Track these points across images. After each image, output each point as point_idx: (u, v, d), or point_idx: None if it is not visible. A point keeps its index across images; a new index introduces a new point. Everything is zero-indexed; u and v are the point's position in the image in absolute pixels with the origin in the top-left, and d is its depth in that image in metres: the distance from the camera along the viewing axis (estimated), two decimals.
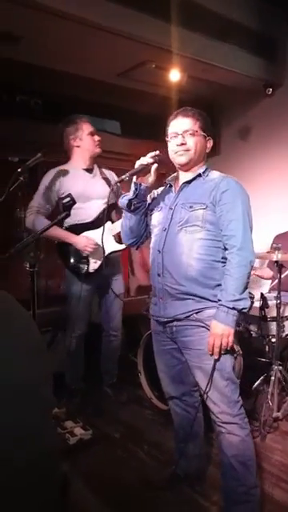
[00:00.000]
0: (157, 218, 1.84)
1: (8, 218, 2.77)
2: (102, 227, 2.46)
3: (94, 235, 2.60)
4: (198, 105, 4.14)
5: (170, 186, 1.87)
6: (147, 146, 3.97)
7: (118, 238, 2.58)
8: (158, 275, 1.77)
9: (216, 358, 1.66)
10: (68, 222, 2.61)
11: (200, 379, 1.73)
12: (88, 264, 2.63)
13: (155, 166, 1.77)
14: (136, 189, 1.78)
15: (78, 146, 2.70)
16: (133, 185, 1.78)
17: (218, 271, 1.70)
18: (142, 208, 1.84)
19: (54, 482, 1.29)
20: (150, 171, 1.78)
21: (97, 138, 2.68)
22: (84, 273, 2.62)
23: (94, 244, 2.56)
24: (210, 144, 1.82)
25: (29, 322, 0.99)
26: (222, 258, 1.71)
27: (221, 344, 1.64)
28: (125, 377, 3.03)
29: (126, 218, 1.90)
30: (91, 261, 2.63)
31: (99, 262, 2.61)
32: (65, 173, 2.64)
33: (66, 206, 2.23)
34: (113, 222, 2.67)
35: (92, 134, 2.66)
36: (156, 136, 4.05)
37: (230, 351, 1.70)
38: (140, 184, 1.78)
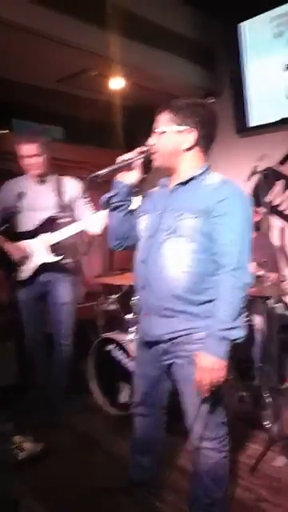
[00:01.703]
0: (144, 223, 1.64)
1: None
2: (38, 237, 2.58)
3: (31, 244, 2.61)
4: (142, 111, 4.27)
5: (165, 186, 1.66)
6: (92, 153, 4.02)
7: (54, 250, 2.59)
8: (142, 288, 1.60)
9: (204, 396, 1.46)
10: (13, 230, 2.66)
11: (183, 404, 1.60)
12: (18, 272, 2.63)
13: (139, 161, 1.60)
14: (116, 186, 1.65)
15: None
16: (113, 182, 1.64)
17: (209, 285, 1.49)
18: (123, 207, 1.66)
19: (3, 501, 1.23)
20: (133, 168, 1.62)
21: (33, 161, 2.56)
22: (16, 280, 2.64)
23: (24, 253, 2.58)
24: (190, 137, 1.52)
25: None
26: (214, 271, 1.49)
27: (210, 380, 1.43)
28: (75, 385, 2.97)
29: (108, 219, 1.73)
30: (22, 269, 2.62)
31: (29, 271, 2.61)
32: (14, 186, 2.66)
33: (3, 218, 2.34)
34: (50, 234, 2.62)
35: (29, 156, 2.56)
36: (101, 142, 4.10)
37: (222, 387, 1.49)
38: (120, 181, 1.63)
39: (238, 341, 1.44)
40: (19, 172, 2.70)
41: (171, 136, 1.53)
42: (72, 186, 2.74)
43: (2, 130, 3.63)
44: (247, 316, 2.83)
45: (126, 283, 3.03)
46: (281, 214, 3.62)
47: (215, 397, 1.50)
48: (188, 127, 1.52)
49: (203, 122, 1.54)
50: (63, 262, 2.66)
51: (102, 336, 2.79)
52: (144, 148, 1.60)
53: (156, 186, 1.72)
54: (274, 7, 3.34)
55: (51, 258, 2.60)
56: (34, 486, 2.02)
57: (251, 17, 3.48)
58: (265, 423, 2.47)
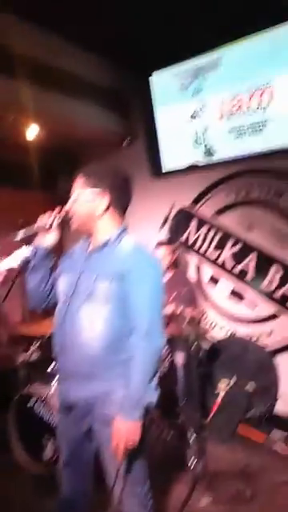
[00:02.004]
0: (63, 284, 1.66)
1: None
2: None
3: None
4: (63, 154, 4.30)
5: (83, 247, 1.69)
6: (13, 195, 3.96)
7: None
8: (59, 352, 1.61)
9: (119, 460, 1.47)
10: None
11: (104, 465, 1.60)
12: None
13: (55, 224, 1.63)
14: (33, 249, 1.66)
15: None
16: (33, 244, 1.66)
17: (124, 346, 1.52)
18: (41, 270, 1.68)
19: None
20: (51, 231, 1.65)
21: None
22: None
23: None
24: (103, 201, 1.57)
25: None
26: (129, 330, 1.52)
27: (126, 444, 1.45)
28: None
29: (27, 280, 1.72)
30: None
31: None
32: None
33: None
34: None
35: None
36: (18, 184, 4.06)
37: (138, 449, 1.50)
38: (38, 244, 1.66)
39: (151, 405, 1.48)
40: None
41: (85, 201, 1.58)
42: None
43: None
44: (169, 354, 2.92)
45: (47, 332, 2.96)
46: (195, 252, 3.80)
47: (134, 456, 1.51)
48: (100, 190, 1.58)
49: (115, 185, 1.60)
50: None
51: (22, 391, 2.67)
52: (62, 211, 1.64)
53: (73, 245, 1.75)
54: (180, 62, 3.59)
55: None
56: None
57: (159, 69, 3.71)
58: (190, 461, 2.51)
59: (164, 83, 3.74)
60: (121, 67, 3.82)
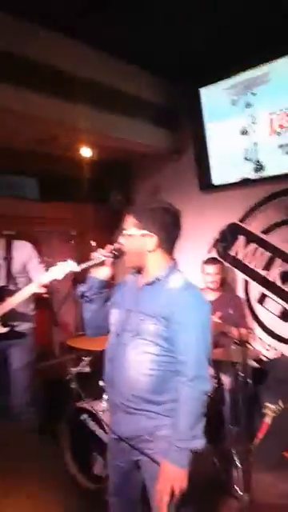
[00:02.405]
0: (114, 317, 1.73)
1: None
2: None
3: None
4: (114, 167, 4.42)
5: (134, 280, 1.75)
6: (66, 208, 4.12)
7: (3, 321, 2.68)
8: (109, 386, 1.69)
9: (164, 510, 1.48)
10: None
11: (150, 499, 1.63)
12: None
13: (110, 260, 1.72)
14: (89, 281, 1.74)
15: None
16: (87, 277, 1.75)
17: (171, 385, 1.55)
18: (96, 301, 1.76)
19: None
20: (106, 264, 1.73)
21: None
22: None
23: None
24: (152, 242, 1.62)
25: None
26: (176, 371, 1.55)
27: (172, 490, 1.47)
28: (47, 449, 2.95)
29: (83, 310, 1.82)
30: None
31: None
32: None
33: None
34: None
35: None
36: (74, 197, 4.22)
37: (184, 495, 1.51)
38: (93, 277, 1.73)
39: (198, 451, 1.50)
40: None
41: (135, 239, 1.64)
42: (21, 250, 2.84)
43: None
44: (216, 377, 2.94)
45: (99, 348, 3.08)
46: (243, 268, 3.76)
47: (179, 500, 1.53)
48: (149, 232, 1.62)
49: (164, 227, 1.64)
50: (17, 328, 2.74)
51: (75, 405, 2.80)
52: (115, 246, 1.72)
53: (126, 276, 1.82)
54: (229, 77, 3.56)
55: (1, 330, 2.68)
56: None
57: (210, 84, 3.70)
58: (236, 489, 2.53)
59: (214, 98, 3.71)
60: (171, 83, 3.85)
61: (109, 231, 4.65)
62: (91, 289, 1.75)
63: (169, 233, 1.67)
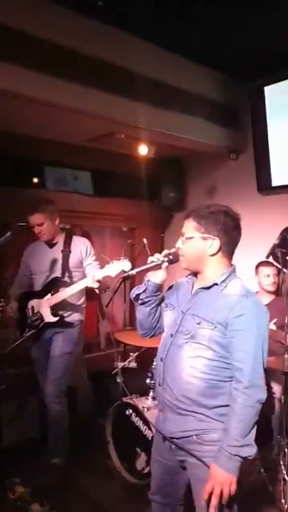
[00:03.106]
0: (168, 318, 1.74)
1: None
2: (43, 298, 2.78)
3: (36, 304, 2.83)
4: (167, 163, 4.38)
5: (189, 281, 1.74)
6: (119, 204, 4.15)
7: (54, 311, 2.77)
8: (159, 385, 1.68)
9: (214, 509, 1.47)
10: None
11: (195, 500, 1.63)
12: (26, 330, 2.75)
13: (166, 264, 1.71)
14: (145, 284, 1.75)
15: None
16: (143, 280, 1.76)
17: (223, 391, 1.54)
18: (150, 303, 1.76)
19: None
20: (161, 268, 1.72)
21: (36, 230, 2.80)
22: (26, 336, 2.72)
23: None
24: (214, 245, 1.61)
25: None
26: (229, 377, 1.54)
27: (220, 493, 1.46)
28: (94, 440, 2.99)
29: (136, 310, 1.84)
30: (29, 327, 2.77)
31: (32, 330, 2.73)
32: (32, 249, 2.99)
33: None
34: (52, 295, 2.77)
35: (33, 226, 2.79)
36: (127, 193, 4.25)
37: (232, 499, 1.51)
38: (149, 280, 1.74)
39: (249, 458, 1.48)
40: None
41: (196, 242, 1.63)
42: (79, 247, 2.90)
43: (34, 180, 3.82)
44: (267, 385, 2.84)
45: (146, 345, 3.08)
46: None
47: (227, 504, 1.52)
48: (211, 235, 1.61)
49: (226, 229, 1.62)
50: (65, 319, 2.81)
51: (121, 399, 2.81)
52: (172, 251, 1.72)
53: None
54: None
55: (50, 319, 2.76)
56: None
57: (274, 82, 3.57)
58: (282, 502, 2.43)
59: (278, 96, 3.58)
60: (234, 80, 3.76)
61: (160, 228, 4.65)
62: (146, 292, 1.76)
63: (230, 236, 1.64)
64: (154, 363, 2.85)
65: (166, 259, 1.71)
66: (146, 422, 2.60)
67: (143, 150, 3.58)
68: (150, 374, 2.81)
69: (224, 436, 1.49)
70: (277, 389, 2.84)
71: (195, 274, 1.72)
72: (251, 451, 1.49)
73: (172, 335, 1.67)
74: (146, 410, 2.63)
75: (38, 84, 2.53)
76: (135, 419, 2.69)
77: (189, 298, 1.69)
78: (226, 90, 3.76)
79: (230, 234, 1.63)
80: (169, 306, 1.76)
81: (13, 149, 3.42)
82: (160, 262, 1.71)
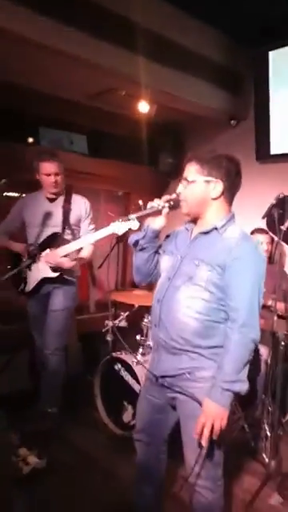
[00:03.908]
0: (165, 263, 1.75)
1: None
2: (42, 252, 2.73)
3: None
4: (166, 128, 4.30)
5: (188, 229, 1.75)
6: (115, 167, 4.09)
7: (53, 267, 2.73)
8: (155, 326, 1.71)
9: (203, 443, 1.52)
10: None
11: (183, 437, 1.67)
12: (25, 284, 2.82)
13: (167, 210, 1.71)
14: (144, 230, 1.75)
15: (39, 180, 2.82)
16: (144, 226, 1.76)
17: (217, 332, 1.58)
18: (149, 249, 1.78)
19: None
20: (161, 214, 1.72)
21: (53, 179, 2.73)
22: (21, 291, 2.84)
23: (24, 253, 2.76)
24: (217, 188, 1.61)
25: None
26: (224, 319, 1.58)
27: (212, 427, 1.51)
28: (82, 397, 3.04)
29: (134, 257, 1.85)
30: (28, 282, 2.80)
31: (32, 284, 2.78)
32: (28, 201, 2.89)
33: (31, 254, 2.71)
34: (50, 250, 2.73)
35: (48, 175, 2.73)
36: (124, 156, 4.18)
37: (222, 434, 1.55)
38: (148, 226, 1.75)
39: (240, 393, 1.52)
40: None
41: (198, 186, 1.62)
42: (79, 205, 2.87)
43: (29, 139, 3.73)
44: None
45: (138, 303, 3.10)
46: None
47: (215, 440, 1.56)
48: (214, 179, 1.61)
49: (229, 173, 1.63)
50: (61, 276, 2.77)
51: (110, 354, 2.84)
52: (172, 196, 1.70)
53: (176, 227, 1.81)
54: None
55: (49, 274, 2.73)
56: (36, 502, 2.09)
57: (280, 47, 3.49)
58: (263, 457, 2.51)
59: (283, 61, 3.51)
60: (239, 43, 3.67)
61: (155, 195, 4.57)
62: (145, 238, 1.76)
63: (232, 181, 1.65)
64: (145, 320, 2.90)
65: (166, 204, 1.70)
66: (134, 376, 2.64)
67: (143, 107, 3.48)
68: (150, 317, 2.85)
69: (218, 372, 1.53)
70: (263, 351, 2.89)
71: (194, 221, 1.71)
72: (243, 387, 1.53)
73: (169, 278, 1.68)
74: (134, 364, 2.66)
75: (38, 26, 2.43)
76: (124, 373, 2.73)
77: (187, 243, 1.70)
78: (230, 54, 3.67)
79: (232, 179, 1.64)
80: (167, 252, 1.77)
81: (11, 101, 3.32)
82: (160, 207, 1.70)
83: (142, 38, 2.96)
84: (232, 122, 4.00)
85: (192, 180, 1.63)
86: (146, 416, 1.82)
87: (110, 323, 3.13)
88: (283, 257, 3.69)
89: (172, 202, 1.70)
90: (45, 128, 3.87)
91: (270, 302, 2.93)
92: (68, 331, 2.92)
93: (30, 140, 3.75)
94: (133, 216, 1.74)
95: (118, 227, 2.40)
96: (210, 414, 1.51)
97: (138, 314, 3.13)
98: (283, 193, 2.82)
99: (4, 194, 3.66)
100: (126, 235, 1.88)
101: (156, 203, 1.71)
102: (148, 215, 1.73)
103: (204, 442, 1.52)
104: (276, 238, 3.39)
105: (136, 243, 1.79)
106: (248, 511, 2.16)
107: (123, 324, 3.26)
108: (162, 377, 1.69)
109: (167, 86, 3.30)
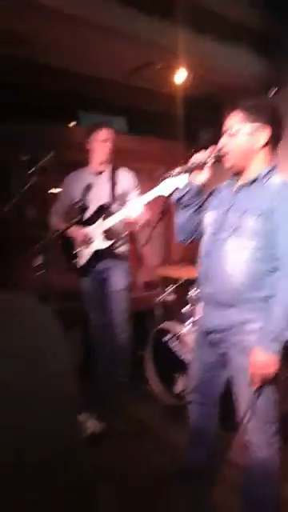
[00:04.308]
0: (209, 219, 1.72)
1: (20, 218, 2.89)
2: (93, 225, 2.73)
3: (87, 232, 2.77)
4: (204, 103, 4.22)
5: (231, 184, 1.71)
6: (153, 144, 4.06)
7: (106, 236, 2.72)
8: (203, 281, 1.70)
9: (256, 389, 1.52)
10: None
11: (235, 394, 1.66)
12: (77, 259, 2.82)
13: (210, 164, 1.66)
14: (188, 186, 1.72)
15: (90, 149, 2.81)
16: (186, 182, 1.73)
17: (265, 282, 1.55)
18: (192, 205, 1.75)
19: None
20: (204, 169, 1.68)
21: (109, 145, 2.75)
22: (75, 267, 2.82)
23: (85, 237, 2.73)
24: (264, 134, 1.56)
25: (49, 318, 1.04)
26: (271, 269, 1.54)
27: (263, 374, 1.50)
28: (134, 372, 3.08)
29: (177, 214, 1.83)
30: (80, 256, 2.80)
31: (86, 258, 2.77)
32: (75, 177, 2.88)
33: (81, 208, 2.63)
34: (104, 220, 2.72)
35: (105, 141, 2.74)
36: (162, 133, 4.15)
37: (275, 380, 1.55)
38: (191, 182, 1.71)
39: None
40: (84, 163, 2.88)
41: (244, 136, 1.58)
42: (126, 178, 2.85)
43: (71, 123, 3.78)
44: None
45: (184, 276, 3.08)
46: None
47: (267, 392, 1.56)
48: (261, 124, 1.56)
49: (275, 119, 1.59)
50: (117, 249, 2.78)
51: (159, 326, 2.86)
52: (216, 149, 1.65)
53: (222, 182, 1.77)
54: None
55: (104, 244, 2.72)
56: (95, 464, 2.15)
57: None
58: None
59: None
60: (277, 8, 3.52)
61: None
62: (188, 193, 1.73)
63: (279, 127, 1.61)
64: (192, 292, 2.88)
65: (210, 158, 1.66)
66: (183, 346, 2.64)
67: (180, 76, 3.43)
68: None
69: (267, 320, 1.51)
70: None
71: (238, 174, 1.67)
72: None
73: (214, 233, 1.66)
74: (183, 334, 2.66)
75: (73, 1, 2.46)
76: (173, 344, 2.73)
77: (231, 197, 1.67)
78: (268, 20, 3.52)
79: (279, 125, 1.60)
80: (210, 207, 1.74)
81: (50, 82, 3.37)
82: (204, 161, 1.66)
83: (177, 8, 2.91)
84: (272, 88, 3.86)
85: (237, 129, 1.58)
86: (197, 376, 1.83)
87: (157, 299, 3.14)
88: None
89: (216, 156, 1.65)
90: (84, 112, 3.91)
91: None
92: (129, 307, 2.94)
93: (71, 124, 3.81)
94: (177, 171, 1.70)
95: (165, 187, 2.31)
96: (259, 362, 1.50)
97: (185, 288, 3.12)
98: None
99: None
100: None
101: (200, 157, 1.67)
102: (192, 170, 1.70)
103: (256, 385, 1.51)
104: None
105: (179, 200, 1.76)
106: None
107: (171, 298, 3.26)
108: (212, 332, 1.68)
109: (204, 56, 3.24)
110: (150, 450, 2.37)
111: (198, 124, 4.30)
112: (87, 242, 2.75)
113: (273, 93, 3.86)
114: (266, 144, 1.59)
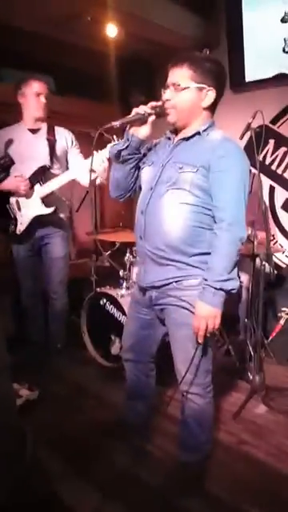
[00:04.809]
0: (146, 174, 1.69)
1: None
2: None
3: (23, 197, 2.60)
4: (135, 62, 4.09)
5: (169, 138, 1.68)
6: (85, 105, 3.89)
7: (46, 202, 2.58)
8: (140, 238, 1.67)
9: (200, 341, 1.55)
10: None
11: (173, 348, 1.70)
12: (15, 225, 2.65)
13: (153, 117, 1.61)
14: (128, 139, 1.65)
15: (22, 104, 2.62)
16: (125, 135, 1.65)
17: (203, 238, 1.55)
18: (131, 161, 1.70)
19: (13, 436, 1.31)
20: (146, 122, 1.62)
21: (43, 100, 2.58)
22: (12, 234, 2.65)
23: (26, 185, 2.54)
24: (210, 95, 1.55)
25: None
26: (209, 224, 1.55)
27: (206, 327, 1.52)
28: (69, 338, 3.07)
29: (113, 169, 1.76)
30: (18, 222, 2.64)
31: (24, 225, 2.62)
32: (7, 133, 2.64)
33: (3, 166, 2.38)
34: (42, 185, 2.59)
35: (38, 94, 2.56)
36: (93, 94, 3.97)
37: (214, 333, 1.60)
38: (132, 135, 1.64)
39: (232, 292, 1.52)
40: (9, 123, 2.68)
41: (191, 93, 1.55)
42: (64, 136, 2.72)
43: None
44: None
45: (119, 240, 3.07)
46: (271, 173, 3.63)
47: (205, 345, 1.61)
48: (209, 87, 1.54)
49: (221, 81, 1.58)
50: (56, 215, 2.66)
51: (95, 290, 2.85)
52: (159, 103, 1.60)
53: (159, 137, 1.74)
54: None
55: (44, 210, 2.59)
56: (33, 428, 2.14)
57: None
58: (248, 375, 2.62)
59: None
60: None
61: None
62: (128, 148, 1.67)
63: (221, 89, 1.60)
64: (127, 256, 2.88)
65: (152, 111, 1.61)
66: (120, 309, 2.66)
67: (111, 31, 3.28)
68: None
69: (208, 273, 1.51)
70: (244, 278, 2.94)
71: (176, 130, 1.65)
72: (235, 284, 1.52)
73: (152, 188, 1.63)
74: (120, 296, 2.67)
75: None
76: (109, 307, 2.75)
77: (169, 150, 1.64)
78: None
79: (222, 87, 1.59)
80: (147, 162, 1.71)
81: None
82: (146, 114, 1.60)
83: None
84: (204, 50, 3.81)
85: (185, 86, 1.53)
86: (133, 334, 1.85)
87: (92, 263, 3.11)
88: (260, 187, 3.68)
89: (158, 109, 1.60)
90: (7, 68, 3.62)
91: (248, 231, 2.95)
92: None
93: None
94: (118, 122, 1.60)
95: (104, 153, 2.27)
96: (203, 314, 1.51)
97: (120, 253, 3.11)
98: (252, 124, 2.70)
99: None
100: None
101: (142, 110, 1.61)
102: (132, 123, 1.63)
103: (200, 340, 1.54)
104: (253, 170, 3.38)
105: (118, 154, 1.69)
106: (236, 421, 2.27)
107: (106, 263, 3.25)
108: (150, 289, 1.69)
109: (135, 9, 3.10)
110: (89, 408, 2.40)
111: (129, 85, 4.18)
112: (29, 191, 2.56)
113: (205, 52, 3.84)
114: (211, 105, 1.58)
